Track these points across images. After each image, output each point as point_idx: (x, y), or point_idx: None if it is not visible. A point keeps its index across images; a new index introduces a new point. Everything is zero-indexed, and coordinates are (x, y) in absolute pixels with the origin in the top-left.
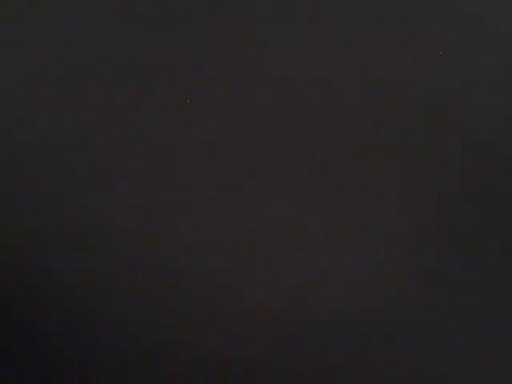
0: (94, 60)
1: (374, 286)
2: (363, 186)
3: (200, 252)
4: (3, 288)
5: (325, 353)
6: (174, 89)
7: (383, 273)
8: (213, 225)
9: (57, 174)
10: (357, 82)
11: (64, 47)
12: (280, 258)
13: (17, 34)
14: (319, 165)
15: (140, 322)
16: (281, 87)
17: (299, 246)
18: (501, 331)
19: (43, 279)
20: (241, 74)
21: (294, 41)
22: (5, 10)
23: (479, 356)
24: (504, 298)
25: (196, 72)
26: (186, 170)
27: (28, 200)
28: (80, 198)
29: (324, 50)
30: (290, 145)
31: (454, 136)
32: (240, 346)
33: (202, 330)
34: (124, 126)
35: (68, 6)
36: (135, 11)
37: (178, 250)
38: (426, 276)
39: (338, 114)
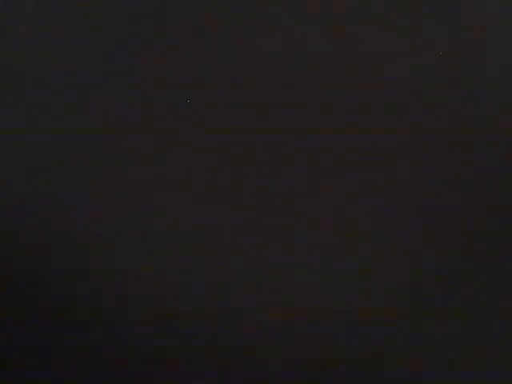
0: (93, 59)
1: (373, 285)
2: (363, 186)
3: (199, 252)
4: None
5: (325, 352)
6: (174, 89)
7: (383, 272)
8: (212, 224)
9: (56, 173)
10: (356, 83)
11: (64, 47)
12: (280, 257)
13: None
14: (319, 164)
15: (139, 323)
16: (280, 87)
17: (299, 245)
18: (501, 331)
19: (43, 279)
20: (240, 74)
21: (294, 40)
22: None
23: (479, 356)
24: (504, 297)
25: (196, 72)
26: (185, 170)
27: (27, 199)
28: (80, 197)
29: (323, 50)
30: (290, 144)
31: (453, 136)
32: (239, 347)
33: (202, 331)
34: (124, 125)
35: (67, 5)
36: (135, 10)
37: (179, 249)
38: (425, 276)
39: (337, 113)
